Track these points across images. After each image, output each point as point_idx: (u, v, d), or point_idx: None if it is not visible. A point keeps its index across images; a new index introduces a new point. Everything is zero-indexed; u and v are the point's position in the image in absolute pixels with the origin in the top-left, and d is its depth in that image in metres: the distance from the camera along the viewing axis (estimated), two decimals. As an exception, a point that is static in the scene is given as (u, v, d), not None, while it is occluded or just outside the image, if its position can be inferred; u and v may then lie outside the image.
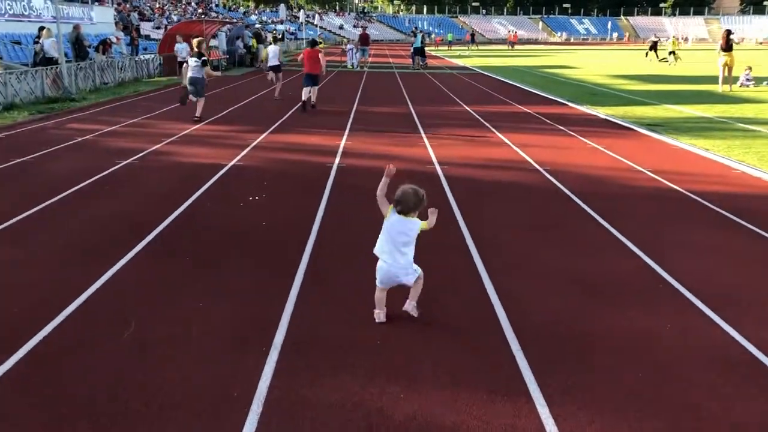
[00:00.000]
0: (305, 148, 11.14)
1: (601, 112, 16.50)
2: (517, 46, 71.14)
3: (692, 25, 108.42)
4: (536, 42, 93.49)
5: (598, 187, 8.58)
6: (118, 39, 24.41)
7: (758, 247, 6.27)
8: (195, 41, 14.12)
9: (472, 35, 70.61)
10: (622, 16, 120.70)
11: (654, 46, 42.72)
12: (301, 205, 7.50)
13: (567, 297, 4.99)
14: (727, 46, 20.43)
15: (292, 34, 71.58)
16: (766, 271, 5.62)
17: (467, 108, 17.49)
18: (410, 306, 4.52)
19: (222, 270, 5.45)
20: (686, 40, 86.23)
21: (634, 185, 8.74)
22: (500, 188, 8.54)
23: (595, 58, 47.67)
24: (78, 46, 20.48)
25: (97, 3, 33.91)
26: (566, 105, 18.24)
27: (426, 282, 4.62)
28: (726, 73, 21.17)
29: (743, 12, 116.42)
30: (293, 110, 16.43)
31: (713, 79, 24.55)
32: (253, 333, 4.33)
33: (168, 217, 6.89)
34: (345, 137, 12.36)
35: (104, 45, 22.06)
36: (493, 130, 13.47)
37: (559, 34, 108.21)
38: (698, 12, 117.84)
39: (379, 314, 4.48)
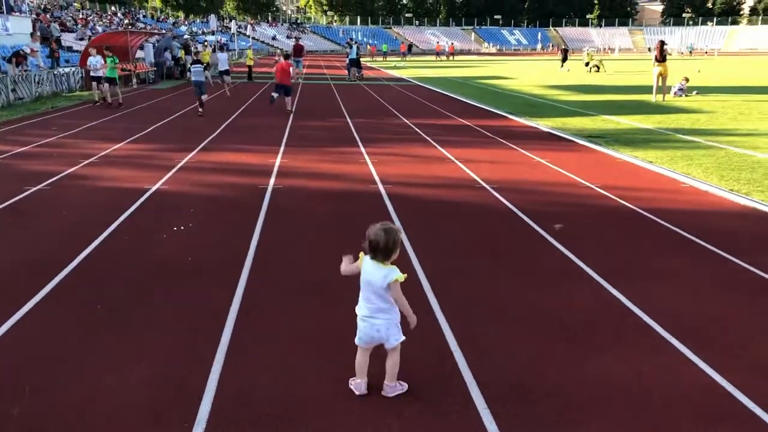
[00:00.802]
0: (237, 168, 10.38)
1: (541, 124, 16.32)
2: (451, 57, 71.76)
3: (618, 36, 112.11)
4: (468, 53, 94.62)
5: (549, 206, 8.17)
6: (33, 51, 22.90)
7: (724, 271, 5.93)
8: (202, 53, 14.35)
9: (409, 46, 70.90)
10: (551, 27, 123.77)
11: (565, 56, 43.84)
12: (233, 234, 6.78)
13: (533, 340, 4.47)
14: (662, 57, 20.71)
15: (224, 44, 69.93)
16: (737, 299, 5.25)
17: (407, 121, 17.02)
18: (389, 389, 3.78)
19: (138, 320, 4.69)
20: (612, 50, 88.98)
21: (585, 203, 8.38)
22: (448, 209, 8.02)
23: (527, 69, 48.30)
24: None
25: (13, 13, 32.00)
26: (506, 117, 18.01)
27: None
28: (660, 83, 21.46)
29: (664, 23, 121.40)
30: (225, 125, 15.59)
31: (644, 89, 24.99)
32: (172, 403, 3.62)
33: (79, 255, 6.05)
34: (280, 155, 11.65)
35: (17, 57, 20.56)
36: (435, 144, 13.01)
37: (490, 44, 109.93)
38: (623, 23, 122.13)
39: (359, 384, 3.78)
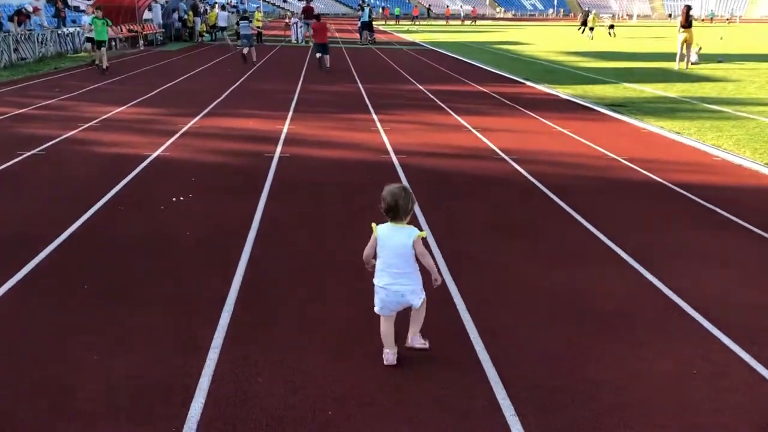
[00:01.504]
0: (242, 135, 9.89)
1: (561, 91, 15.67)
2: (474, 22, 70.41)
3: (636, 2, 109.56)
4: (483, 18, 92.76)
5: (573, 180, 7.65)
6: (36, 9, 22.26)
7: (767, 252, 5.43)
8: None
9: (428, 10, 69.82)
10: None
11: (585, 21, 42.53)
12: (236, 207, 6.33)
13: (564, 331, 4.01)
14: (687, 23, 19.86)
15: (233, 7, 68.79)
16: (786, 286, 4.76)
17: (420, 87, 16.41)
18: (415, 340, 3.76)
19: (128, 304, 4.25)
20: (630, 17, 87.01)
21: (610, 176, 7.85)
22: (466, 182, 7.52)
23: (544, 35, 47.16)
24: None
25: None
26: (524, 84, 17.36)
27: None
28: (684, 51, 20.64)
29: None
30: (231, 89, 15.06)
31: (666, 56, 24.15)
32: (161, 403, 3.20)
33: (69, 227, 5.61)
34: (288, 120, 11.14)
35: (20, 16, 19.97)
36: (451, 112, 12.44)
37: (503, 9, 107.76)
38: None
39: (388, 354, 3.63)
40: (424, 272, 3.63)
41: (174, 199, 6.46)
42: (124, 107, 12.08)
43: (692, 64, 21.21)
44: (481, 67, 21.83)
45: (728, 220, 6.20)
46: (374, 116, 11.76)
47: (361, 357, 3.65)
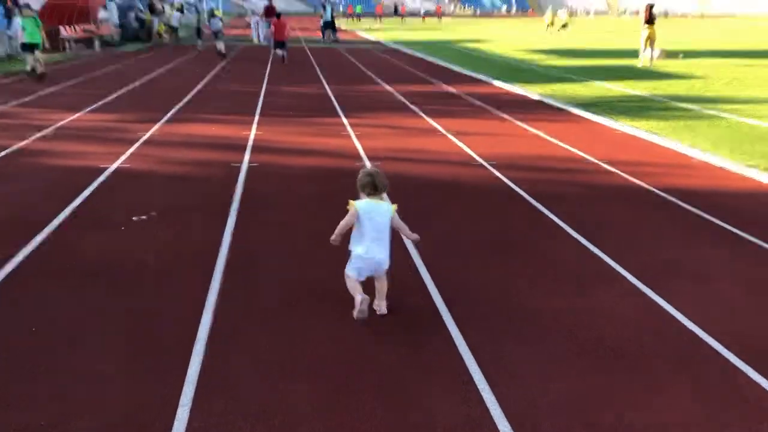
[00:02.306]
0: (208, 142, 9.37)
1: (530, 91, 15.45)
2: (425, 19, 70.32)
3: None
4: (443, 15, 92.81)
5: (557, 187, 7.36)
6: (-17, 10, 21.22)
7: (770, 267, 5.19)
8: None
9: (396, 7, 69.48)
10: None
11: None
12: (203, 225, 5.86)
13: (572, 366, 3.66)
14: (650, 19, 19.88)
15: (191, 4, 67.42)
16: (796, 304, 4.50)
17: (389, 88, 16.03)
18: (382, 305, 4.19)
19: (76, 349, 3.76)
20: (588, 13, 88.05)
21: (594, 182, 7.59)
22: (447, 191, 7.16)
23: (505, 32, 47.23)
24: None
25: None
26: (492, 84, 17.11)
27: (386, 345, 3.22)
28: (648, 47, 20.69)
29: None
30: (193, 93, 14.47)
31: (629, 53, 24.21)
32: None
33: (15, 255, 5.08)
34: (255, 125, 10.65)
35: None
36: (422, 114, 12.09)
37: (465, 6, 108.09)
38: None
39: (360, 301, 3.94)
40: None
41: (134, 218, 5.96)
42: (80, 113, 11.42)
43: (655, 59, 21.26)
44: (448, 67, 21.54)
45: (730, 233, 5.93)
46: (344, 120, 11.34)
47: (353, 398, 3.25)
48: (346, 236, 4.14)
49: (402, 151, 9.02)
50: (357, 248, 4.07)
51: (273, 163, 8.17)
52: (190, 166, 7.97)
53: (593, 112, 12.40)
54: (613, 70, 19.99)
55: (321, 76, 18.16)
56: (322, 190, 7.06)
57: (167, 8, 35.43)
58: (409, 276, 4.83)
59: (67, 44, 25.23)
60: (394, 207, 4.13)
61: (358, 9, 66.84)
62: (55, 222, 5.85)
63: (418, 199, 6.78)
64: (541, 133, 10.37)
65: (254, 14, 37.72)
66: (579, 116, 12.21)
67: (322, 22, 34.33)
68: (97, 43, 26.88)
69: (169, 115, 11.52)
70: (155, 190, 6.88)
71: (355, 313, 3.96)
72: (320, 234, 5.62)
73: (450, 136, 10.07)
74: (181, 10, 34.54)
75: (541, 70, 20.39)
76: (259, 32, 33.33)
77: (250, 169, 7.80)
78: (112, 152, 8.51)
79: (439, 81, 17.44)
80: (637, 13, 50.55)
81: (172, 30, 32.48)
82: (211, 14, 27.78)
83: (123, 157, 8.26)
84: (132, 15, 32.96)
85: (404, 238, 4.43)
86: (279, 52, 22.16)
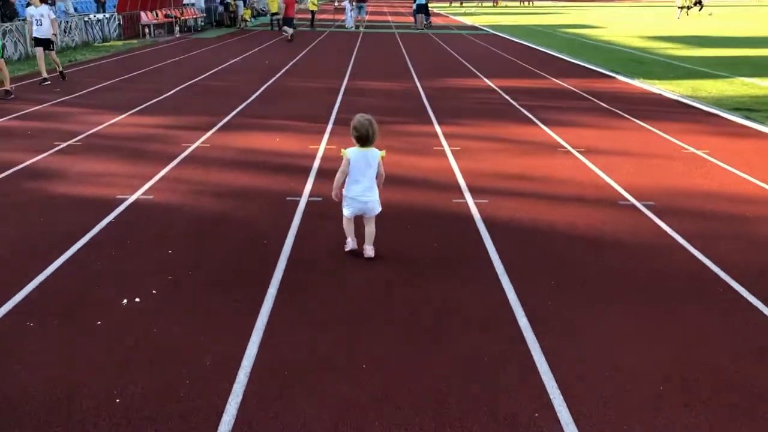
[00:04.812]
0: (264, 161, 7.35)
1: (664, 88, 12.66)
2: (531, 3, 66.69)
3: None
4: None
5: (762, 256, 4.84)
6: (61, -7, 20.20)
7: None
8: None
9: None
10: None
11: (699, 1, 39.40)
12: (219, 321, 3.79)
13: None
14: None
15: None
16: None
17: (489, 83, 13.59)
18: (370, 250, 4.62)
19: None
20: None
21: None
22: (590, 258, 4.78)
23: (614, 16, 43.31)
24: (2, 3, 16.40)
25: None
26: (614, 78, 14.36)
27: None
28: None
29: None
30: (264, 88, 12.55)
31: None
32: None
33: None
34: (327, 135, 8.57)
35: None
36: (535, 120, 9.65)
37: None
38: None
39: (350, 243, 4.67)
40: None
41: (125, 301, 3.96)
42: (122, 116, 9.65)
43: None
44: (556, 56, 18.82)
45: None
46: (437, 128, 9.08)
47: None
48: None
49: (515, 179, 6.68)
50: (348, 191, 4.52)
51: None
52: (231, 199, 5.94)
53: (758, 121, 9.60)
54: (762, 64, 16.73)
55: (411, 69, 15.89)
56: (405, 251, 4.84)
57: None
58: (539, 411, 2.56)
59: (146, 30, 24.08)
60: (382, 153, 4.54)
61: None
62: (18, 298, 3.93)
63: (550, 270, 4.44)
64: (699, 152, 7.76)
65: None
66: (739, 125, 9.46)
67: (414, 6, 31.93)
68: (177, 29, 25.66)
69: (227, 118, 9.60)
70: (171, 243, 4.87)
71: (345, 249, 4.65)
72: (397, 339, 3.37)
73: (578, 155, 7.63)
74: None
75: (670, 62, 17.36)
76: (349, 17, 31.35)
77: (308, 210, 5.68)
78: (139, 174, 6.61)
79: (549, 74, 14.83)
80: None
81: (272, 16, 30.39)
82: None
83: (150, 183, 6.33)
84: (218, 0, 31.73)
85: None
86: (287, 30, 22.54)
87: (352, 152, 4.45)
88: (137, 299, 3.97)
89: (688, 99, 11.53)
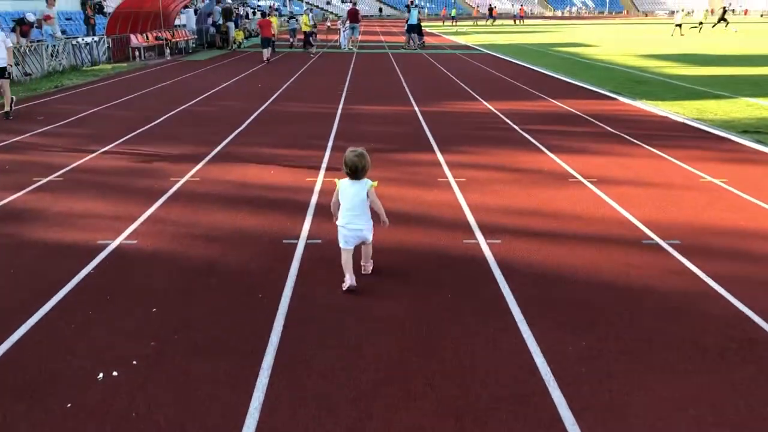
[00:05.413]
0: (258, 196, 6.88)
1: (667, 110, 12.32)
2: (521, 22, 67.07)
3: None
4: (532, 17, 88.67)
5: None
6: (48, 17, 19.75)
7: None
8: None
9: (490, 10, 67.21)
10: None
11: (723, 16, 39.86)
12: (218, 391, 3.30)
13: None
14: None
15: (276, 10, 66.50)
16: None
17: (489, 105, 13.21)
18: (366, 266, 4.82)
19: None
20: (712, 12, 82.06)
21: None
22: (613, 302, 4.32)
23: (604, 34, 43.34)
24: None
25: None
26: (614, 99, 14.02)
27: None
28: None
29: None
30: (257, 113, 12.12)
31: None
32: None
33: None
34: (324, 165, 8.13)
35: (22, 26, 17.42)
36: (540, 146, 9.24)
37: (561, 9, 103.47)
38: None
39: (348, 280, 4.53)
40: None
41: (101, 375, 3.46)
42: (108, 146, 9.16)
43: None
44: (553, 76, 18.51)
45: None
46: (439, 156, 8.65)
47: None
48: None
49: (528, 215, 6.23)
50: (340, 221, 4.63)
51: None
52: (222, 243, 5.46)
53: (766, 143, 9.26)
54: (762, 82, 16.46)
55: (407, 91, 15.51)
56: (414, 305, 4.37)
57: (270, 13, 33.60)
58: None
59: (137, 53, 23.67)
60: (374, 183, 4.61)
61: (453, 12, 63.90)
62: (-27, 376, 3.44)
63: (576, 328, 3.97)
64: (717, 181, 7.36)
65: (339, 19, 35.65)
66: (752, 150, 9.08)
67: (406, 26, 31.73)
68: (167, 52, 25.26)
69: (219, 148, 9.14)
70: (155, 300, 4.38)
71: (343, 287, 4.53)
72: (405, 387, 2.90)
73: (590, 185, 7.21)
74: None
75: (667, 80, 17.08)
76: (342, 37, 31.05)
77: (307, 255, 5.21)
78: (123, 214, 6.13)
79: (548, 96, 14.47)
80: None
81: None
82: (291, 16, 34.20)
83: (134, 225, 5.85)
84: (209, 21, 31.41)
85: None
86: (266, 52, 22.87)
87: (343, 182, 4.62)
88: (115, 372, 3.48)
89: (695, 122, 11.17)
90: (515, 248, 5.34)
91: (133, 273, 4.84)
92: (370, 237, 4.67)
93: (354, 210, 4.55)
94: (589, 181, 7.39)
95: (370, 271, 4.79)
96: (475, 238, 5.58)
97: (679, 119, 11.47)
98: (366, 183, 4.56)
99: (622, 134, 10.11)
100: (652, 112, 12.35)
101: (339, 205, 4.61)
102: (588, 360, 3.66)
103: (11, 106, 11.36)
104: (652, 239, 5.57)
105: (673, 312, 4.26)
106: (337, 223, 4.63)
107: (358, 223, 4.57)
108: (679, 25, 38.62)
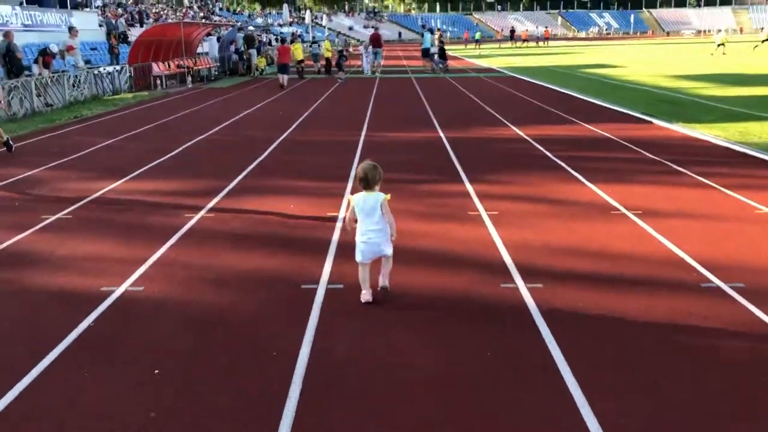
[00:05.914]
0: (276, 233, 6.43)
1: (707, 133, 11.69)
2: (545, 43, 67.03)
3: (720, 16, 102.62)
4: (555, 38, 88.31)
5: None
6: (70, 48, 19.75)
7: None
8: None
9: (512, 31, 68.16)
10: (644, 9, 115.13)
11: None
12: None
13: None
14: None
15: (299, 36, 67.04)
16: None
17: (518, 131, 12.70)
18: (384, 281, 4.71)
19: None
20: (741, 30, 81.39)
21: None
22: (676, 361, 3.76)
23: (629, 55, 42.69)
24: (9, 59, 15.92)
25: (79, 8, 29.28)
26: (649, 122, 13.42)
27: None
28: None
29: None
30: (276, 143, 11.74)
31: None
32: None
33: None
34: (346, 198, 7.67)
35: (45, 56, 17.40)
36: (578, 175, 8.69)
37: (584, 30, 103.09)
38: (725, 2, 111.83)
39: (365, 294, 4.63)
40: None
41: (88, 458, 2.99)
42: (121, 180, 8.81)
43: None
44: (581, 98, 17.97)
45: None
46: (468, 186, 8.15)
47: None
48: None
49: (570, 254, 5.68)
50: (358, 236, 4.65)
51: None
52: (235, 289, 4.99)
53: (827, 171, 8.60)
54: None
55: (432, 116, 15.08)
56: (456, 365, 3.85)
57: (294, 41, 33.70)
58: None
59: (158, 81, 23.63)
60: (387, 196, 4.62)
61: (478, 35, 63.79)
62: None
63: (636, 392, 3.41)
64: (774, 213, 6.74)
65: (361, 44, 35.65)
66: (809, 178, 8.42)
67: (422, 48, 31.52)
68: (189, 79, 25.22)
69: (236, 180, 8.74)
70: (158, 359, 3.91)
71: (361, 300, 4.62)
72: None
73: (634, 218, 6.64)
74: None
75: (701, 101, 16.44)
76: (365, 63, 30.85)
77: (328, 303, 4.72)
78: (131, 257, 5.71)
79: (578, 120, 13.93)
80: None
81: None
82: (314, 41, 38.53)
83: (142, 269, 5.41)
84: (232, 48, 31.48)
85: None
86: (282, 77, 22.91)
87: (357, 197, 4.66)
88: (107, 453, 3.01)
89: (739, 146, 10.53)
90: (558, 294, 4.80)
91: (137, 326, 4.38)
92: (388, 251, 4.68)
93: (370, 224, 4.60)
94: (633, 214, 6.82)
95: (386, 286, 4.71)
96: (514, 282, 5.05)
97: (722, 143, 10.85)
98: (380, 196, 4.60)
99: (663, 160, 9.53)
100: (691, 135, 11.74)
101: (356, 220, 4.66)
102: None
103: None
104: (712, 282, 4.99)
105: (748, 372, 3.67)
106: (356, 238, 4.68)
107: (375, 237, 4.60)
108: (722, 44, 37.87)
